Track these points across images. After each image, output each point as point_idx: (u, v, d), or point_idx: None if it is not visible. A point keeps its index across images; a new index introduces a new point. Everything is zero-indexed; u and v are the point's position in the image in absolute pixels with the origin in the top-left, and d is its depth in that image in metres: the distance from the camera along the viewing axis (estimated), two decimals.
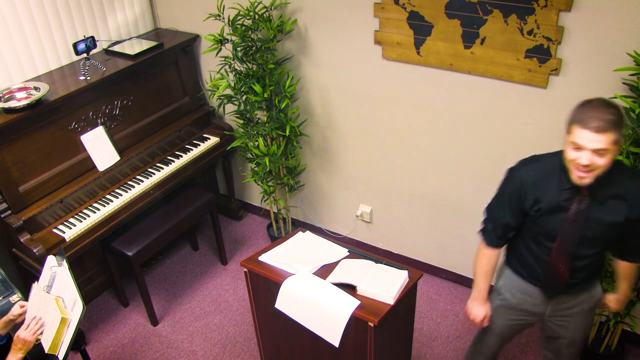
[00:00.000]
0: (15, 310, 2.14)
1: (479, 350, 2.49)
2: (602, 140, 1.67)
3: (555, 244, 1.91)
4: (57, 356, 2.05)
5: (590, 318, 2.20)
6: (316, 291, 2.05)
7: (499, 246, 2.11)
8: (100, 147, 3.08)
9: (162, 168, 3.30)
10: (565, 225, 1.87)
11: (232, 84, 3.06)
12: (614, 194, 1.83)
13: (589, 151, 1.69)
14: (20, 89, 2.85)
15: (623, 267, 2.08)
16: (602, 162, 1.70)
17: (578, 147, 1.72)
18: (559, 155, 1.87)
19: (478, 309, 2.21)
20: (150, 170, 3.28)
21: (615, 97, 2.29)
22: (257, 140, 3.19)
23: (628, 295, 2.21)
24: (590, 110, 1.69)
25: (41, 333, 2.06)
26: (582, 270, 1.98)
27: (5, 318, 2.16)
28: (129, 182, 3.17)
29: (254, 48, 2.99)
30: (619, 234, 1.91)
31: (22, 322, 2.14)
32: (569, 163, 1.77)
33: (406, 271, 2.12)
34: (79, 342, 2.36)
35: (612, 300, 2.19)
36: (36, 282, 2.22)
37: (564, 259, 1.93)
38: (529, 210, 1.93)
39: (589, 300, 2.10)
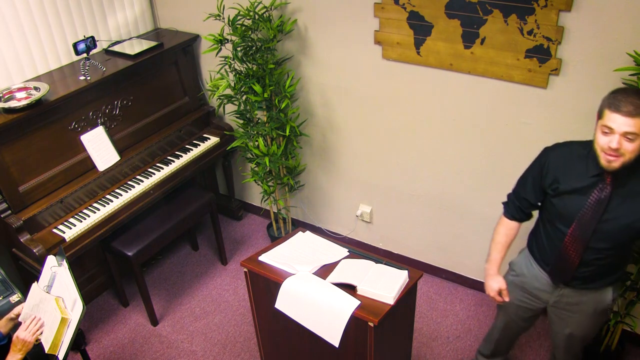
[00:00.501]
0: (16, 310, 2.15)
1: (490, 335, 2.49)
2: (632, 124, 1.71)
3: (571, 228, 1.94)
4: (57, 356, 2.05)
5: (594, 321, 2.17)
6: (316, 291, 2.05)
7: (516, 219, 2.16)
8: (100, 147, 3.08)
9: (162, 168, 3.30)
10: (583, 211, 1.89)
11: (232, 84, 3.06)
12: (637, 194, 1.84)
13: (619, 134, 1.73)
14: (20, 89, 2.85)
15: None
16: (631, 147, 1.74)
17: (609, 131, 1.76)
18: (589, 143, 1.91)
19: (491, 281, 2.21)
20: (150, 170, 3.28)
21: None
22: (257, 140, 3.19)
23: None
24: (623, 96, 1.73)
25: (41, 333, 2.06)
26: (591, 264, 1.98)
27: (6, 316, 2.16)
28: (129, 182, 3.17)
29: (254, 48, 2.99)
30: (636, 236, 1.91)
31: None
32: (599, 147, 1.80)
33: (406, 271, 2.12)
34: (79, 342, 2.37)
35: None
36: (35, 283, 2.22)
37: (576, 246, 1.95)
38: (547, 188, 1.99)
39: (594, 302, 2.10)
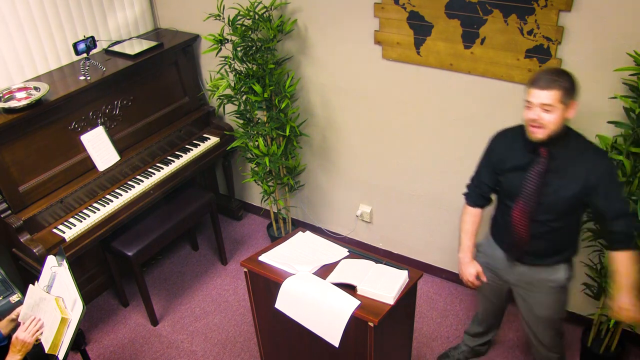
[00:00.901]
0: (18, 311, 2.15)
1: (476, 317, 2.63)
2: (547, 96, 1.88)
3: (516, 203, 2.09)
4: (57, 356, 2.05)
5: (552, 300, 2.26)
6: (316, 291, 2.05)
7: (478, 205, 2.31)
8: (100, 147, 3.08)
9: (162, 168, 3.30)
10: (525, 186, 2.05)
11: (232, 84, 3.06)
12: (572, 165, 1.99)
13: (537, 106, 1.91)
14: (20, 89, 2.85)
15: (610, 259, 2.09)
16: (549, 117, 1.91)
17: (530, 105, 1.94)
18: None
19: (465, 267, 2.34)
20: (150, 170, 3.28)
21: (615, 97, 2.29)
22: (257, 140, 3.19)
23: (624, 296, 2.05)
24: (541, 74, 1.93)
25: (41, 334, 2.06)
26: (540, 238, 2.11)
27: (7, 317, 2.16)
28: (129, 182, 3.17)
29: (254, 48, 2.99)
30: (580, 208, 2.06)
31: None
32: (525, 121, 1.98)
33: (406, 271, 2.12)
34: (79, 342, 2.37)
35: (611, 308, 2.13)
36: (32, 285, 2.22)
37: (523, 220, 2.09)
38: (495, 169, 2.17)
39: (549, 280, 2.21)
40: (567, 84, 1.90)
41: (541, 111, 1.92)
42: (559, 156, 2.00)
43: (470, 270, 2.32)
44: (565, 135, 1.99)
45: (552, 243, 2.14)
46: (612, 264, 2.08)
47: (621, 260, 2.03)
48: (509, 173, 2.11)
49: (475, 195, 2.29)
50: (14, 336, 2.01)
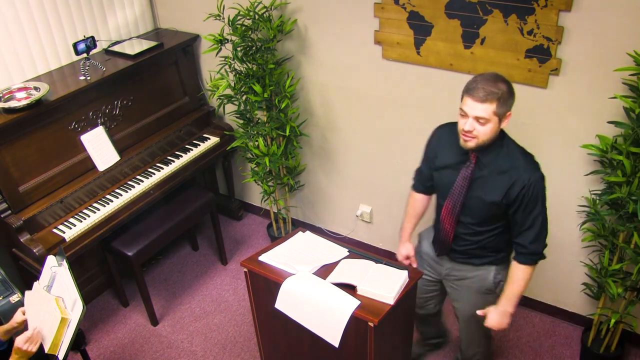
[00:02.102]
0: (18, 318, 2.13)
1: (417, 304, 2.56)
2: (482, 109, 1.85)
3: (446, 202, 2.12)
4: (57, 356, 2.04)
5: (480, 300, 2.27)
6: (316, 291, 2.05)
7: (421, 192, 2.35)
8: (100, 147, 3.08)
9: (162, 168, 3.30)
10: (453, 186, 2.07)
11: (232, 84, 3.06)
12: (499, 174, 1.98)
13: (472, 118, 1.89)
14: (20, 89, 2.85)
15: (510, 267, 2.13)
16: (483, 130, 1.89)
17: (464, 114, 1.91)
18: None
19: (401, 247, 2.43)
20: (150, 170, 3.28)
21: (615, 97, 2.29)
22: (257, 140, 3.19)
23: (505, 305, 2.12)
24: (479, 82, 1.88)
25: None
26: (466, 239, 2.15)
27: (7, 326, 2.15)
28: (129, 182, 3.17)
29: (254, 48, 2.99)
30: (504, 216, 2.05)
31: (24, 329, 2.14)
32: (458, 129, 1.97)
33: (406, 271, 2.12)
34: (79, 342, 2.36)
35: (492, 310, 2.16)
36: (35, 283, 2.22)
37: (450, 219, 2.13)
38: (430, 163, 2.21)
39: (478, 280, 2.24)
40: (504, 95, 1.86)
41: (475, 123, 1.89)
42: (488, 164, 1.99)
43: (401, 251, 2.41)
44: (499, 144, 1.97)
45: (477, 245, 2.15)
46: (510, 272, 2.12)
47: (519, 272, 2.08)
48: (441, 170, 2.14)
49: (417, 181, 2.35)
50: (16, 344, 1.99)
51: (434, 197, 2.32)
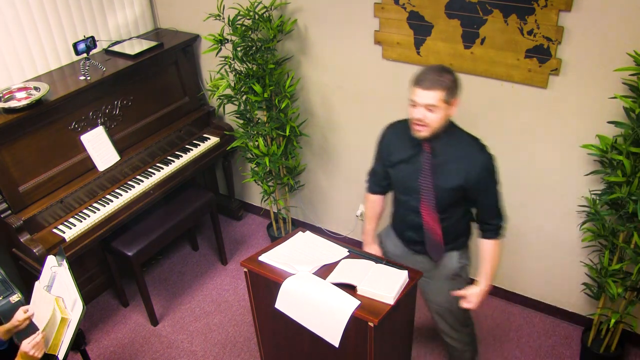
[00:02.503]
0: (19, 316, 2.13)
1: None
2: (431, 97, 1.94)
3: (405, 195, 2.19)
4: (57, 356, 2.05)
5: (449, 287, 2.33)
6: (316, 291, 2.05)
7: (375, 192, 2.40)
8: (100, 147, 3.08)
9: (162, 168, 3.30)
10: (411, 179, 2.14)
11: (232, 84, 3.06)
12: (454, 160, 2.06)
13: (421, 106, 1.97)
14: (20, 89, 2.85)
15: (479, 245, 2.24)
16: (433, 117, 1.98)
17: (414, 104, 1.99)
18: None
19: (367, 249, 2.46)
20: (150, 170, 3.28)
21: (615, 97, 2.29)
22: (257, 140, 3.19)
23: (484, 283, 2.23)
24: (425, 73, 1.98)
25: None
26: (449, 232, 2.20)
27: (9, 325, 2.15)
28: (129, 182, 3.17)
29: (254, 48, 2.99)
30: (463, 200, 2.14)
31: (25, 328, 2.14)
32: (410, 119, 2.04)
33: (406, 271, 2.12)
34: (79, 342, 2.36)
35: (470, 289, 2.25)
36: (36, 283, 2.22)
37: (432, 215, 2.16)
38: (384, 161, 2.25)
39: (443, 268, 2.30)
40: (449, 83, 1.96)
41: (426, 111, 1.97)
42: (442, 152, 2.07)
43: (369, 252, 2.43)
44: (449, 132, 2.07)
45: (444, 233, 2.22)
46: (482, 251, 2.23)
47: (492, 248, 2.21)
48: (396, 166, 2.19)
49: (372, 182, 2.39)
50: (22, 348, 1.98)
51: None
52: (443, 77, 1.95)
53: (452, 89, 1.97)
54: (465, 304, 2.27)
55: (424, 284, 2.41)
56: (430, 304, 2.47)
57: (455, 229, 2.25)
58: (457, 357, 2.66)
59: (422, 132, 2.02)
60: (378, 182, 2.36)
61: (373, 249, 2.46)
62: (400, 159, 2.17)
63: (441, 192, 2.10)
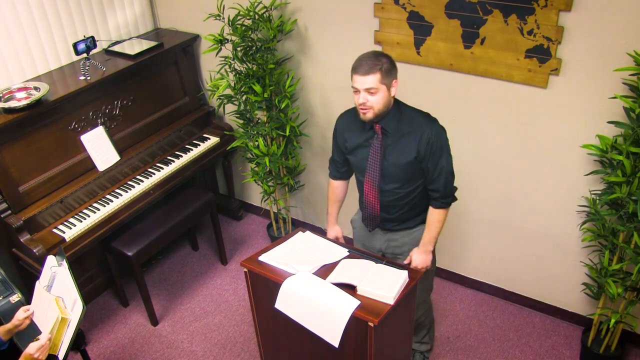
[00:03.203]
0: (19, 316, 2.13)
1: None
2: (370, 81, 2.05)
3: (365, 177, 2.28)
4: (57, 356, 2.05)
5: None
6: (316, 291, 2.05)
7: (337, 178, 2.52)
8: (100, 147, 3.08)
9: (162, 168, 3.30)
10: (369, 161, 2.24)
11: (232, 84, 3.06)
12: (405, 135, 2.18)
13: (363, 91, 2.08)
14: (20, 89, 2.85)
15: (428, 212, 2.33)
16: (375, 99, 2.09)
17: (356, 90, 2.11)
18: None
19: (330, 230, 2.60)
20: (150, 170, 3.28)
21: (615, 97, 2.29)
22: (257, 140, 3.19)
23: (425, 246, 2.34)
24: (361, 60, 2.08)
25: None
26: (394, 205, 2.31)
27: (9, 325, 2.14)
28: (129, 182, 3.17)
29: (254, 48, 2.99)
30: (420, 172, 2.24)
31: (25, 328, 2.13)
32: (355, 105, 2.16)
33: (406, 271, 2.12)
34: (79, 342, 2.36)
35: (414, 252, 2.37)
36: (37, 283, 2.22)
37: (373, 191, 2.29)
38: (341, 148, 2.36)
39: (414, 241, 2.40)
40: (385, 66, 2.06)
41: (367, 94, 2.08)
42: (393, 130, 2.18)
43: (331, 233, 2.59)
44: (397, 111, 2.19)
45: (405, 208, 2.33)
46: (428, 217, 2.32)
47: (436, 216, 2.30)
48: (353, 151, 2.30)
49: (333, 169, 2.50)
50: (27, 351, 1.97)
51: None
52: (378, 61, 2.05)
53: (389, 71, 2.08)
54: (414, 264, 2.36)
55: (398, 260, 2.46)
56: None
57: (423, 201, 2.34)
58: (414, 331, 2.72)
59: (368, 114, 2.13)
60: (338, 169, 2.48)
61: (335, 229, 2.59)
62: (356, 144, 2.27)
63: (397, 168, 2.21)
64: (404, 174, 2.23)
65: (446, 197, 2.27)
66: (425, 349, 2.87)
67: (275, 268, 2.19)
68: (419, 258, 2.36)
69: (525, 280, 3.13)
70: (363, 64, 2.06)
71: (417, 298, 2.53)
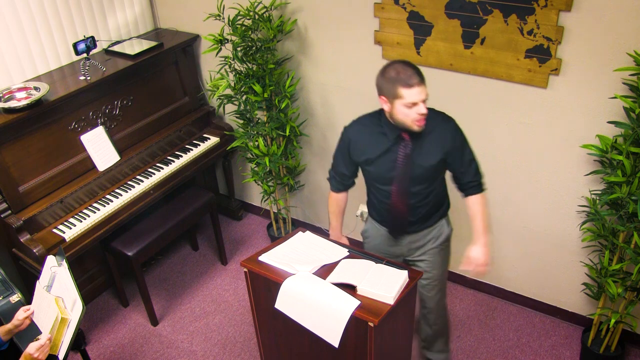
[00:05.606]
0: (20, 315, 2.13)
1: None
2: (424, 90, 2.05)
3: (393, 186, 2.24)
4: (57, 356, 2.04)
5: (442, 256, 2.45)
6: (316, 291, 2.05)
7: (342, 191, 2.47)
8: (100, 147, 3.08)
9: (162, 168, 3.30)
10: (397, 169, 2.20)
11: (232, 84, 3.06)
12: (426, 135, 2.16)
13: (421, 102, 2.05)
14: (20, 89, 2.85)
15: (467, 205, 2.32)
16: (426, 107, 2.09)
17: (414, 103, 2.04)
18: (379, 112, 2.22)
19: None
20: (150, 170, 3.28)
21: (615, 97, 2.29)
22: (257, 140, 3.19)
23: (483, 238, 2.27)
24: (408, 71, 2.03)
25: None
26: (419, 207, 2.29)
27: (9, 325, 2.14)
28: (129, 182, 3.17)
29: (254, 48, 2.99)
30: (443, 169, 2.27)
31: (26, 328, 2.13)
32: (409, 120, 2.08)
33: (406, 271, 2.12)
34: (79, 342, 2.36)
35: (472, 249, 2.28)
36: (37, 283, 2.22)
37: (401, 198, 2.26)
38: (358, 161, 2.29)
39: (437, 237, 2.39)
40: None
41: (424, 104, 2.07)
42: (418, 134, 2.15)
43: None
44: None
45: (429, 206, 2.31)
46: (473, 207, 2.29)
47: (480, 201, 2.29)
48: (375, 162, 2.23)
49: (338, 183, 2.44)
50: (27, 351, 1.97)
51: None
52: (417, 68, 2.04)
53: None
54: (474, 267, 2.27)
55: (420, 261, 2.45)
56: (424, 282, 2.50)
57: (441, 196, 2.35)
58: (434, 340, 2.70)
59: (423, 124, 2.10)
60: (344, 181, 2.42)
61: (343, 241, 2.54)
62: (377, 154, 2.22)
63: (426, 169, 2.20)
64: (431, 173, 2.23)
65: (480, 181, 2.29)
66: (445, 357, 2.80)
67: (275, 268, 2.19)
68: (480, 253, 2.26)
69: (525, 280, 3.13)
70: (414, 75, 2.02)
71: (438, 305, 2.55)
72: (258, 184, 3.38)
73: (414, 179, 2.22)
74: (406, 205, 2.28)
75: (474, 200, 2.29)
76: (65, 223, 2.89)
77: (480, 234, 2.28)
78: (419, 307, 2.61)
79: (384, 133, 2.19)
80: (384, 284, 2.04)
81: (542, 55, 2.45)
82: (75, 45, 3.05)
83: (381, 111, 2.21)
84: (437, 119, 2.19)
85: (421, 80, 2.03)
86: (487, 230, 2.29)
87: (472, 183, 2.28)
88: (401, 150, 2.17)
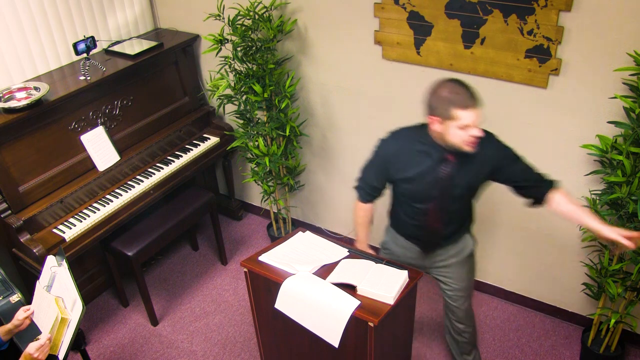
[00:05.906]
0: (20, 315, 2.13)
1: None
2: (480, 112, 1.97)
3: (431, 205, 2.18)
4: (57, 356, 2.04)
5: (468, 267, 2.43)
6: (316, 291, 2.05)
7: (370, 202, 2.39)
8: (100, 147, 3.08)
9: (162, 168, 3.30)
10: (437, 189, 2.13)
11: (232, 84, 3.06)
12: (472, 157, 2.08)
13: (476, 124, 1.97)
14: (20, 89, 2.85)
15: (555, 208, 2.15)
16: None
17: (468, 125, 1.95)
18: (421, 129, 2.13)
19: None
20: (150, 170, 3.28)
21: (615, 97, 2.29)
22: (257, 140, 3.19)
23: (600, 222, 2.03)
24: (460, 93, 1.94)
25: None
26: (452, 223, 2.26)
27: (9, 325, 2.14)
28: (129, 182, 3.17)
29: (254, 48, 2.99)
30: (484, 186, 2.21)
31: (26, 328, 2.13)
32: (461, 141, 1.99)
33: (406, 271, 2.12)
34: (79, 342, 2.36)
35: (609, 231, 2.00)
36: (38, 283, 2.22)
37: (439, 215, 2.21)
38: (394, 177, 2.22)
39: (462, 251, 2.37)
40: None
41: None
42: (461, 155, 2.08)
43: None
44: None
45: (461, 221, 2.31)
46: (564, 207, 2.12)
47: (566, 195, 2.14)
48: (414, 180, 2.15)
49: (367, 194, 2.35)
50: (26, 351, 1.97)
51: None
52: (471, 89, 1.96)
53: None
54: (631, 243, 1.93)
55: (442, 274, 2.43)
56: (451, 294, 2.47)
57: (469, 211, 2.33)
58: (464, 346, 2.68)
59: (475, 146, 2.02)
60: (372, 193, 2.34)
61: (369, 252, 2.47)
62: (418, 172, 2.13)
63: (468, 189, 2.16)
64: (472, 192, 2.20)
65: (550, 180, 2.17)
66: None
67: (275, 268, 2.19)
68: (622, 235, 1.94)
69: (525, 280, 3.13)
70: (470, 97, 1.93)
71: (467, 313, 2.53)
72: (258, 184, 3.38)
73: (455, 197, 2.16)
74: (441, 221, 2.22)
75: (562, 194, 2.13)
76: (65, 223, 2.89)
77: (598, 221, 2.03)
78: (445, 317, 2.62)
79: (426, 152, 2.10)
80: (384, 284, 2.04)
81: (542, 55, 2.45)
82: (75, 45, 3.05)
83: (423, 127, 2.12)
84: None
85: (477, 101, 1.94)
86: (596, 216, 2.10)
87: (545, 182, 2.15)
88: (443, 170, 2.10)
